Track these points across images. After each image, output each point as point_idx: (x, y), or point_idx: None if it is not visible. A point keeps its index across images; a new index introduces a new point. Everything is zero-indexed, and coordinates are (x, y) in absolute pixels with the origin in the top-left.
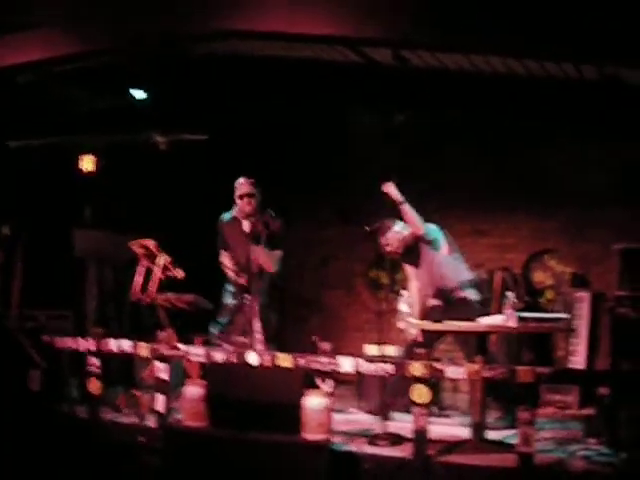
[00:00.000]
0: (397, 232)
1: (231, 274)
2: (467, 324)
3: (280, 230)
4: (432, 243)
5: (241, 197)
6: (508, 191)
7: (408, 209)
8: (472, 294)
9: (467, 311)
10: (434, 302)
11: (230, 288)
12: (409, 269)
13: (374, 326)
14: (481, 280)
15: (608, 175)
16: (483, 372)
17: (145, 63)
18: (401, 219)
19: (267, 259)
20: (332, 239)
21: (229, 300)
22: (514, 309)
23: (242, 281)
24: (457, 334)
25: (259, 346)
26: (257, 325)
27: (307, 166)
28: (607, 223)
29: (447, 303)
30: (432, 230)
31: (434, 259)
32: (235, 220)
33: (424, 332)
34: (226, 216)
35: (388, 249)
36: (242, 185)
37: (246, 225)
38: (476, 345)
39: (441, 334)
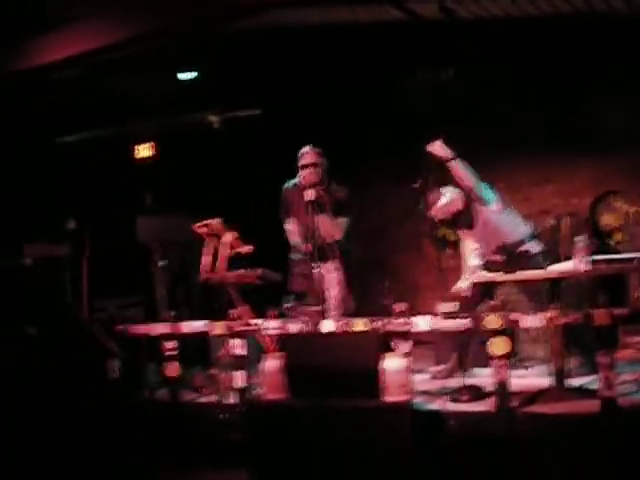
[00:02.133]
0: (444, 204)
1: (297, 241)
2: (539, 272)
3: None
4: (484, 200)
5: (305, 167)
6: (568, 136)
7: (458, 165)
8: (533, 246)
9: (531, 264)
10: (495, 258)
11: (296, 256)
12: (463, 231)
13: (446, 284)
14: (547, 228)
15: None
16: (559, 319)
17: (189, 44)
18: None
19: (332, 227)
20: (396, 200)
21: (296, 269)
22: (584, 253)
23: (307, 249)
24: (527, 284)
25: (335, 313)
26: (332, 292)
27: (364, 131)
28: None
29: (509, 259)
30: (483, 188)
31: (489, 217)
32: (298, 188)
33: (475, 288)
34: (290, 184)
35: (437, 219)
36: (306, 154)
37: (310, 194)
38: (549, 293)
39: (493, 290)
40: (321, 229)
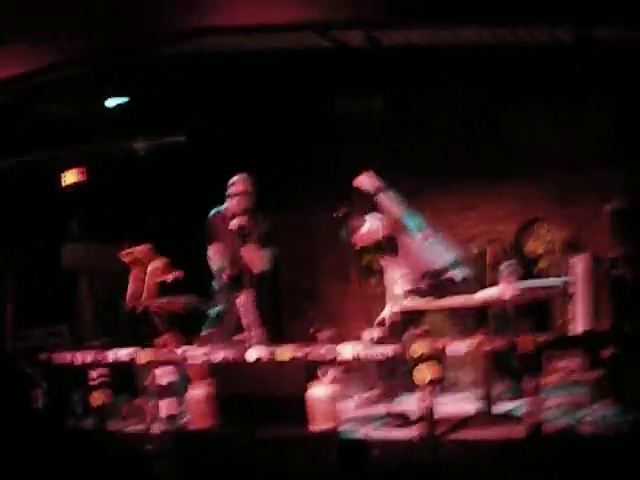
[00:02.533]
0: (366, 231)
1: (218, 266)
2: (464, 298)
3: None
4: (408, 230)
5: (234, 195)
6: (491, 163)
7: (384, 198)
8: (458, 273)
9: (456, 290)
10: (420, 285)
11: (217, 284)
12: (387, 259)
13: (371, 312)
14: (471, 255)
15: (588, 138)
16: (485, 345)
17: (117, 70)
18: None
19: (257, 257)
20: (322, 228)
21: (217, 296)
22: (509, 280)
23: (227, 276)
24: (453, 311)
25: (255, 341)
26: (251, 320)
27: (290, 157)
28: (593, 186)
29: (434, 286)
30: (409, 216)
31: (413, 245)
32: (224, 216)
33: (401, 315)
34: (215, 212)
35: (359, 246)
36: (237, 183)
37: (234, 223)
38: (476, 320)
39: (419, 318)
40: (246, 258)
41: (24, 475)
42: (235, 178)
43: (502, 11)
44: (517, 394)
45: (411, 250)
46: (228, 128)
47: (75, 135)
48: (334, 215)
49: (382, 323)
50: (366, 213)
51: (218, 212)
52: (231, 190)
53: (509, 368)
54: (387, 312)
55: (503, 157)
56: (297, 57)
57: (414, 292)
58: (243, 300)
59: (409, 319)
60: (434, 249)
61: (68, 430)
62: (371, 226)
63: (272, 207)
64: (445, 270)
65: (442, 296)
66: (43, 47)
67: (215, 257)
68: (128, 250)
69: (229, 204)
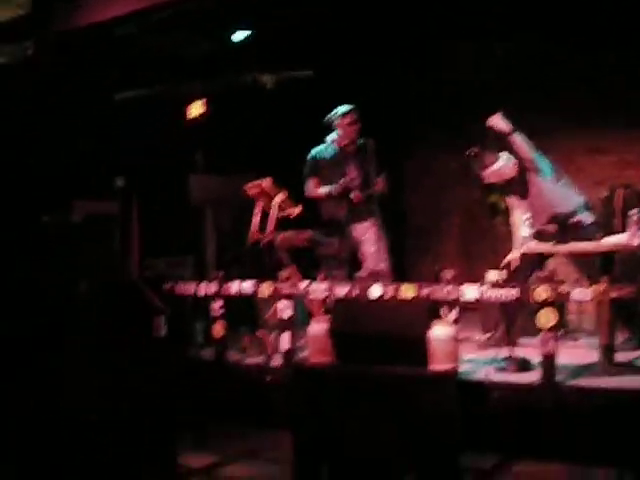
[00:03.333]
0: (499, 167)
1: (333, 190)
2: (592, 244)
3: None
4: (541, 171)
5: (352, 124)
6: (624, 106)
7: (517, 139)
8: (586, 218)
9: (584, 235)
10: (547, 228)
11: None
12: (515, 200)
13: (496, 252)
14: (600, 200)
15: None
16: (610, 292)
17: (243, 3)
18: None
19: (380, 181)
20: (450, 167)
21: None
22: (638, 226)
23: (356, 198)
24: (578, 256)
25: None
26: (369, 250)
27: (418, 94)
28: None
29: (561, 229)
30: (539, 158)
31: (543, 187)
32: (337, 148)
33: (525, 258)
34: (321, 148)
35: (489, 182)
36: (353, 113)
37: (353, 149)
38: (601, 266)
39: (543, 261)
40: (370, 181)
41: (147, 400)
42: (347, 109)
43: None
44: (639, 344)
45: (541, 192)
46: (352, 65)
47: (201, 68)
48: (466, 153)
49: (507, 265)
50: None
51: (324, 147)
52: (348, 120)
53: (633, 317)
54: (512, 254)
55: (636, 101)
56: None
57: (540, 234)
58: (364, 230)
59: (534, 262)
60: (564, 192)
61: (189, 359)
62: (504, 163)
63: (399, 146)
64: (573, 213)
65: (568, 240)
66: None
67: (313, 188)
68: (253, 182)
69: (345, 133)
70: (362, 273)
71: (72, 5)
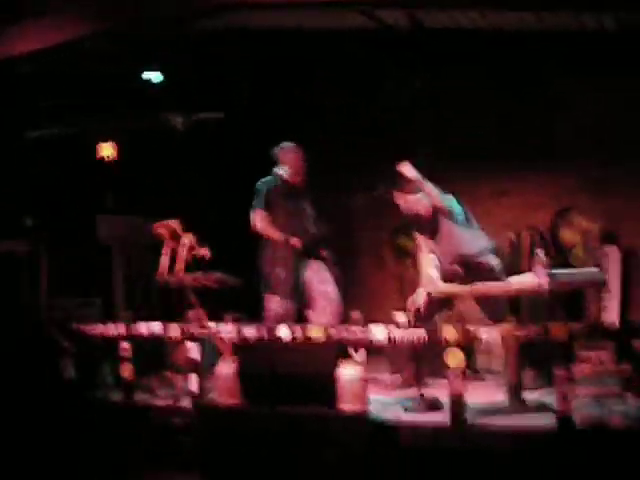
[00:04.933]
0: (415, 200)
1: (279, 237)
2: (500, 284)
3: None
4: (450, 214)
5: (291, 161)
6: (529, 150)
7: (426, 185)
8: (492, 259)
9: (488, 277)
10: (453, 268)
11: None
12: (424, 240)
13: (401, 293)
14: (507, 242)
15: (627, 128)
16: (517, 332)
17: (156, 42)
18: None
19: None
20: (358, 208)
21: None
22: (544, 267)
23: (296, 244)
24: (485, 298)
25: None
26: (324, 289)
27: (327, 139)
28: (631, 177)
29: (466, 271)
30: (450, 201)
31: (452, 229)
32: (284, 183)
33: (432, 298)
34: (269, 179)
35: (409, 212)
36: (292, 149)
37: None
38: (508, 306)
39: (450, 302)
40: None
41: (51, 444)
42: (288, 145)
43: None
44: (546, 383)
45: (450, 234)
46: (264, 106)
47: (113, 108)
48: (373, 194)
49: (414, 305)
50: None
51: (272, 179)
52: (286, 156)
53: (539, 357)
54: (419, 295)
55: (540, 143)
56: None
57: (447, 275)
58: (312, 269)
59: (441, 303)
60: (471, 234)
61: (96, 400)
62: (420, 198)
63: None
64: (478, 255)
65: (474, 281)
66: (77, 19)
67: (266, 224)
68: (162, 223)
69: (294, 170)
70: (316, 313)
71: None
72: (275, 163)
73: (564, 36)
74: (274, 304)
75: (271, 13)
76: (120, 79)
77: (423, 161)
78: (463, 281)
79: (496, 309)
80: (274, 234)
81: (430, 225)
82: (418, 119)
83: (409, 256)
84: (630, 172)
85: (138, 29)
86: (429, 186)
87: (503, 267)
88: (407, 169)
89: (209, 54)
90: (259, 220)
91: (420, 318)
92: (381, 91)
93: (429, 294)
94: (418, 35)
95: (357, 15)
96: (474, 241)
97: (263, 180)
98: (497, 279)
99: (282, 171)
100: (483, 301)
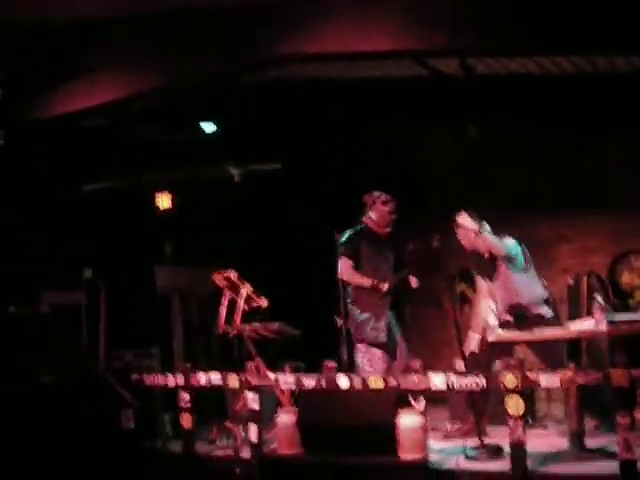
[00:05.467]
0: (482, 242)
1: (368, 283)
2: (560, 330)
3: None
4: (511, 260)
5: (389, 207)
6: (586, 194)
7: (485, 236)
8: (546, 311)
9: (538, 326)
10: (506, 317)
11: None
12: (483, 282)
13: (460, 340)
14: (567, 287)
15: None
16: (577, 378)
17: (211, 96)
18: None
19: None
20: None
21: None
22: (603, 312)
23: (385, 290)
24: (541, 345)
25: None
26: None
27: (384, 188)
28: None
29: (519, 320)
30: (511, 246)
31: (511, 275)
32: (370, 232)
33: (485, 346)
34: (358, 229)
35: (463, 243)
36: (384, 196)
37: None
38: (568, 352)
39: (510, 349)
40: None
41: None
42: (379, 194)
43: (603, 41)
44: (609, 430)
45: (507, 281)
46: (320, 158)
47: (170, 160)
48: (433, 243)
49: (472, 353)
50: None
51: (360, 229)
52: (391, 205)
53: (600, 403)
54: (472, 339)
55: (597, 188)
56: (392, 87)
57: (503, 323)
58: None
59: (499, 350)
60: (528, 282)
61: (156, 451)
62: (480, 235)
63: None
64: (534, 305)
65: (529, 329)
66: (136, 74)
67: (351, 271)
68: (221, 273)
69: (382, 216)
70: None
71: (41, 97)
72: (362, 210)
73: (615, 80)
74: (373, 356)
75: (324, 65)
76: (178, 130)
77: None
78: (518, 329)
79: (554, 356)
80: (362, 280)
81: (489, 267)
82: (471, 168)
83: (468, 303)
84: None
85: (194, 84)
86: (487, 236)
87: (556, 316)
88: (465, 220)
89: (264, 105)
90: (346, 270)
91: (476, 364)
92: (435, 140)
93: (489, 341)
94: (471, 82)
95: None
96: (529, 289)
97: (351, 229)
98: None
99: (366, 218)
100: (541, 348)
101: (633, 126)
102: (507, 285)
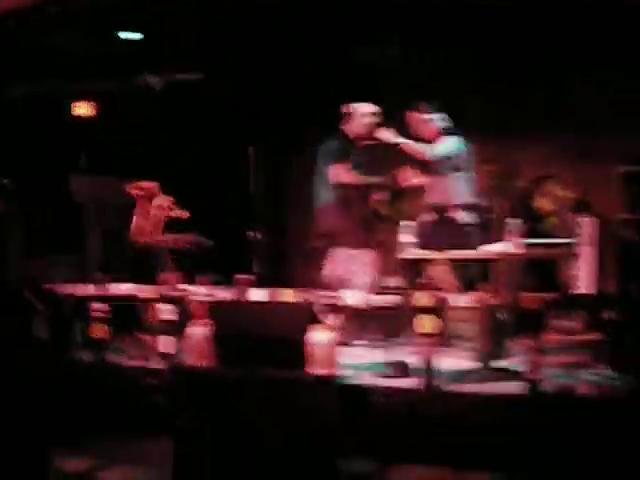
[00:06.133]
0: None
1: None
2: (472, 252)
3: None
4: (441, 162)
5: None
6: (511, 118)
7: (405, 145)
8: (468, 217)
9: (458, 233)
10: (427, 217)
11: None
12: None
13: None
14: (484, 206)
15: (608, 99)
16: (489, 300)
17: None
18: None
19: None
20: None
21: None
22: (517, 236)
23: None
24: (456, 262)
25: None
26: None
27: (310, 100)
28: (609, 149)
29: (440, 221)
30: (448, 147)
31: (442, 178)
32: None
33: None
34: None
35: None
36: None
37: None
38: (479, 273)
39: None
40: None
41: (25, 401)
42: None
43: None
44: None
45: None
46: (244, 69)
47: (89, 68)
48: None
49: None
50: None
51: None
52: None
53: (507, 325)
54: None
55: (523, 115)
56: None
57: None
58: None
59: (413, 269)
60: (459, 185)
61: (68, 360)
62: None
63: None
64: (456, 209)
65: (444, 236)
66: None
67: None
68: (135, 183)
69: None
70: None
71: None
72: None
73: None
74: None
75: None
76: (97, 38)
77: None
78: (436, 241)
79: (468, 276)
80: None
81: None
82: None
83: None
84: (608, 143)
85: None
86: (408, 144)
87: (479, 227)
88: (384, 135)
89: (187, 14)
90: (340, 173)
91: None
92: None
93: (402, 259)
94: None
95: None
96: (457, 192)
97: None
98: (468, 237)
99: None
100: (455, 268)
101: (558, 52)
102: (436, 183)
